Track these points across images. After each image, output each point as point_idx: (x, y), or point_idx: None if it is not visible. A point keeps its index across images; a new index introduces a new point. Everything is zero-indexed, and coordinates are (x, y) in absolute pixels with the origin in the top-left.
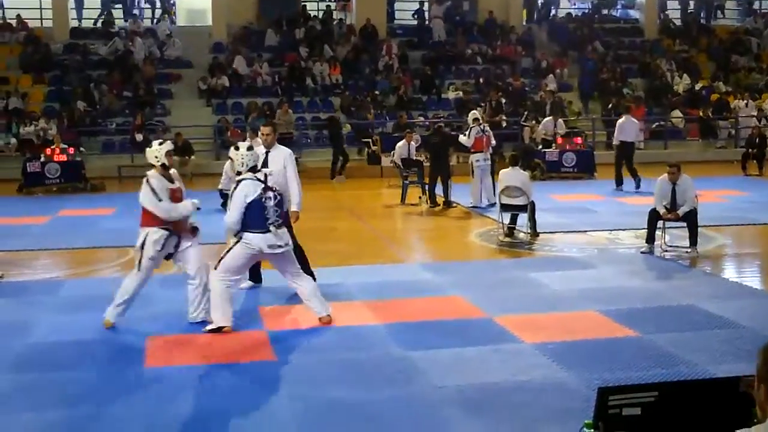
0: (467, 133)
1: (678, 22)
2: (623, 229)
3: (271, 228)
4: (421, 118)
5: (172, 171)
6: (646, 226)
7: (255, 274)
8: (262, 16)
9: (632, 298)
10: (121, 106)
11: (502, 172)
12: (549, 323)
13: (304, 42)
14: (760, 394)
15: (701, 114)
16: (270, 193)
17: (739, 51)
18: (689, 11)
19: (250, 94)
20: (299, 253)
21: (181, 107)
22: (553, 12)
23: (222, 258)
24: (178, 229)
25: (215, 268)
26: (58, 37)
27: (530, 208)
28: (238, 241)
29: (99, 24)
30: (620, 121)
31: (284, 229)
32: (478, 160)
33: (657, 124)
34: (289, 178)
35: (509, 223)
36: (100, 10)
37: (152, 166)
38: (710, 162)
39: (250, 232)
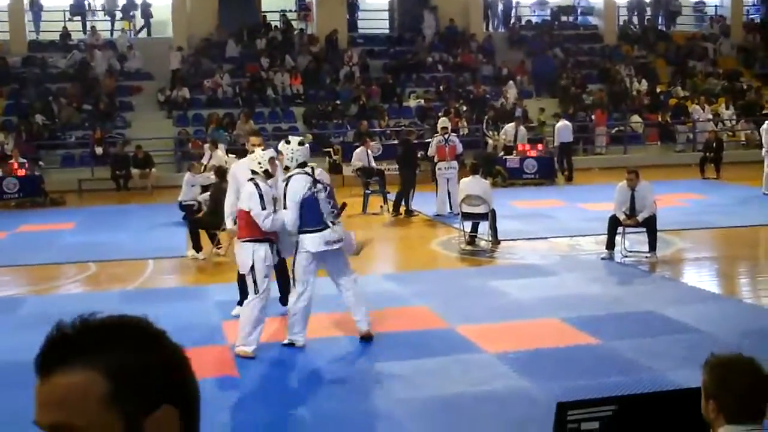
0: (430, 143)
1: (636, 29)
2: (584, 235)
3: (328, 222)
4: (378, 128)
5: (270, 181)
6: (606, 232)
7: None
8: (222, 27)
9: (593, 305)
10: (80, 119)
11: (463, 181)
12: (511, 332)
13: (265, 52)
14: (709, 410)
15: (660, 119)
16: (320, 186)
17: (696, 56)
18: (647, 18)
19: (211, 105)
20: (284, 268)
21: (142, 119)
22: (513, 19)
23: (293, 272)
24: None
25: (293, 285)
26: (15, 50)
27: (491, 216)
28: (296, 251)
29: (57, 37)
30: (558, 125)
31: (340, 225)
32: (440, 169)
33: (617, 129)
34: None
35: (470, 232)
36: (60, 23)
37: (253, 172)
38: (669, 166)
39: (308, 232)
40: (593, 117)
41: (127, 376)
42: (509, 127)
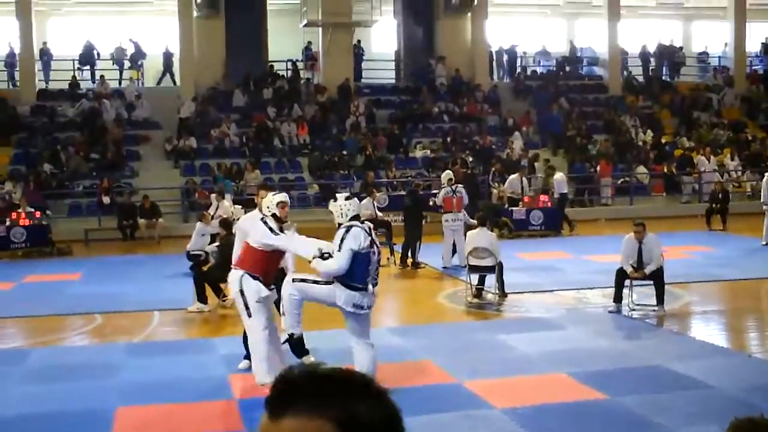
0: (438, 193)
1: (641, 79)
2: (591, 288)
3: (369, 286)
4: (385, 179)
5: (285, 225)
6: (613, 285)
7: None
8: (229, 77)
9: (601, 360)
10: (88, 169)
11: (470, 233)
12: (518, 387)
13: (272, 102)
14: None
15: (666, 169)
16: (375, 248)
17: (700, 107)
18: (651, 68)
19: (218, 154)
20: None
21: (149, 169)
22: (518, 70)
23: (305, 279)
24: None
25: (292, 280)
26: (25, 99)
27: (498, 269)
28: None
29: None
30: (556, 177)
31: (375, 290)
32: (447, 221)
33: (622, 180)
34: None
35: (477, 284)
36: (69, 72)
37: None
38: (675, 217)
39: (346, 286)
40: (598, 168)
41: (356, 429)
42: (514, 178)
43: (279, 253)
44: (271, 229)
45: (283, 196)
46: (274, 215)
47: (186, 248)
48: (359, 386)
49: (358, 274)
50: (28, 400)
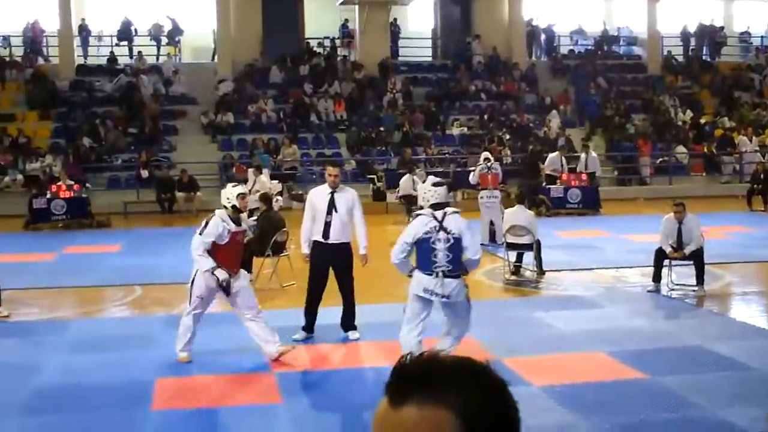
0: (474, 170)
1: (680, 59)
2: (629, 267)
3: (437, 273)
4: (424, 155)
5: (242, 215)
6: (651, 264)
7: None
8: (266, 53)
9: (640, 339)
10: (126, 143)
11: (508, 211)
12: (557, 365)
13: (309, 78)
14: None
15: (706, 149)
16: (442, 235)
17: (742, 87)
18: (691, 48)
19: (255, 130)
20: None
21: (187, 143)
22: (556, 49)
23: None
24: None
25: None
26: (64, 74)
27: (536, 247)
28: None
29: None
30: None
31: (454, 280)
32: (482, 197)
33: (661, 159)
34: (356, 220)
35: (515, 262)
36: (108, 47)
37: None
38: (715, 197)
39: (419, 270)
40: (637, 147)
41: (480, 422)
42: (553, 156)
43: (234, 243)
44: (205, 225)
45: (242, 188)
46: (234, 206)
47: None
48: (486, 380)
49: (422, 260)
50: (70, 370)
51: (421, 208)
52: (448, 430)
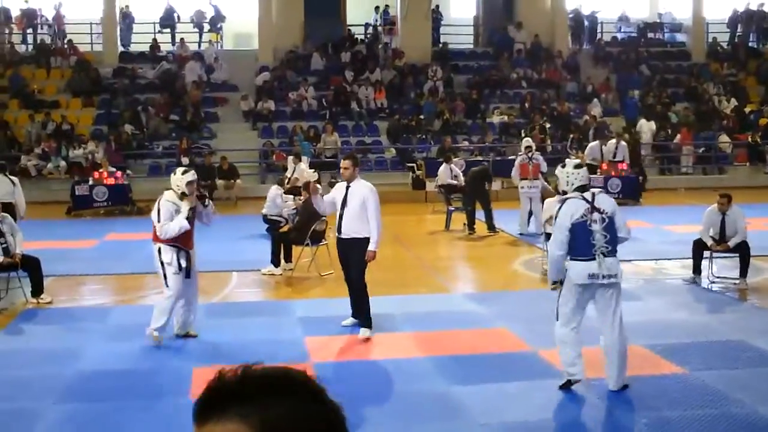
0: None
1: (726, 46)
2: (669, 259)
3: (597, 255)
4: (466, 143)
5: (183, 203)
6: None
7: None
8: (308, 40)
9: (679, 332)
10: (167, 130)
11: (548, 200)
12: (594, 358)
13: (350, 66)
14: None
15: (750, 139)
16: (596, 215)
17: None
18: (737, 35)
19: (296, 117)
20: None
21: (227, 131)
22: (599, 36)
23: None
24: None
25: (556, 319)
26: (107, 61)
27: None
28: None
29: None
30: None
31: (615, 260)
32: (523, 187)
33: (704, 149)
34: (369, 214)
35: None
36: (150, 35)
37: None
38: (758, 188)
39: (575, 259)
40: (678, 136)
41: (280, 430)
42: (594, 145)
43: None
44: (158, 212)
45: (191, 175)
46: (183, 193)
47: (262, 212)
48: (294, 388)
49: (580, 246)
50: (110, 357)
51: (564, 193)
52: None
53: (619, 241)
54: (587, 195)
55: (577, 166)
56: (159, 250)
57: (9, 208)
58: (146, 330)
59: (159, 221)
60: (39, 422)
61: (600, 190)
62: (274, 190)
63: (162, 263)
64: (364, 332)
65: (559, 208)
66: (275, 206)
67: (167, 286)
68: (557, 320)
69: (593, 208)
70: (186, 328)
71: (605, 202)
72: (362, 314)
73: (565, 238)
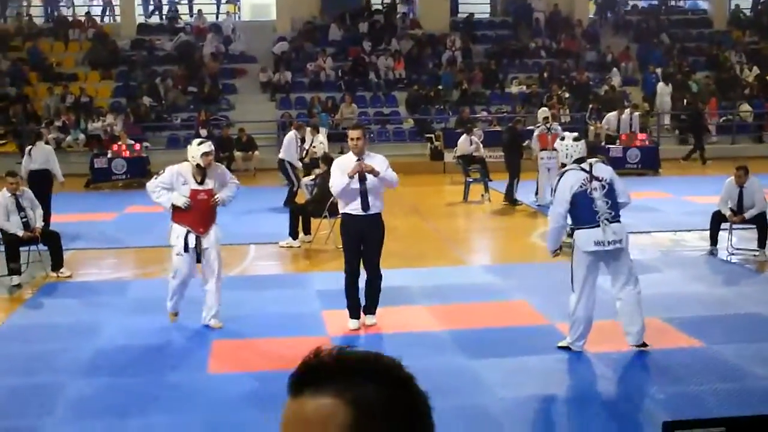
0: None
1: (748, 13)
2: (688, 230)
3: (602, 222)
4: (484, 113)
5: (210, 171)
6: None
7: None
8: (325, 11)
9: (697, 305)
10: (185, 102)
11: None
12: (611, 331)
13: (368, 36)
14: None
15: None
16: (596, 183)
17: None
18: (760, 1)
19: (314, 88)
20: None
21: (245, 102)
22: (618, 5)
23: (572, 272)
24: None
25: (572, 290)
26: (125, 33)
27: None
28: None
29: (165, 20)
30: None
31: (619, 225)
32: (542, 158)
33: (725, 117)
34: (389, 180)
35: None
36: (167, 6)
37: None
38: None
39: (581, 227)
40: (707, 105)
41: (371, 412)
42: (611, 115)
43: (196, 203)
44: (155, 176)
45: (208, 146)
46: (198, 165)
47: (279, 156)
48: (385, 372)
49: (583, 215)
50: (129, 331)
51: (564, 165)
52: (340, 419)
53: (620, 206)
54: (585, 165)
55: (576, 139)
56: (171, 228)
57: (47, 174)
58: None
59: (155, 179)
60: (59, 396)
61: (597, 160)
62: (291, 135)
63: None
64: (371, 319)
65: (558, 180)
66: (290, 151)
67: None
68: (573, 291)
69: (592, 177)
70: (207, 317)
71: (603, 170)
72: (376, 300)
73: (564, 210)
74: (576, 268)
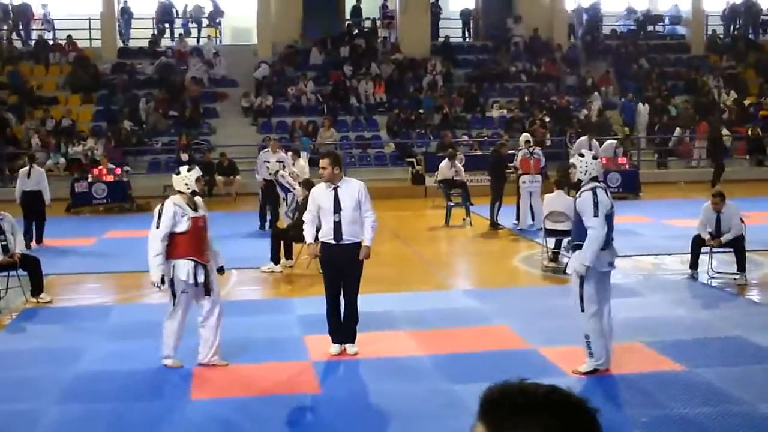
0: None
1: (724, 38)
2: (669, 254)
3: (611, 245)
4: (465, 137)
5: (197, 199)
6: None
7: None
8: (306, 35)
9: (678, 329)
10: (167, 125)
11: (547, 196)
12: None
13: (349, 60)
14: None
15: (749, 132)
16: (613, 208)
17: None
18: (736, 27)
19: (295, 112)
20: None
21: (227, 126)
22: (598, 29)
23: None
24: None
25: (581, 310)
26: (106, 56)
27: None
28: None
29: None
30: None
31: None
32: (524, 182)
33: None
34: (365, 213)
35: (554, 248)
36: (149, 30)
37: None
38: (758, 181)
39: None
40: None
41: None
42: (582, 140)
43: (197, 230)
44: (159, 216)
45: (197, 171)
46: (193, 192)
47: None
48: (578, 405)
49: (607, 235)
50: (110, 356)
51: (579, 182)
52: None
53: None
54: (602, 185)
55: (594, 157)
56: (173, 267)
57: (39, 196)
58: (162, 362)
59: (158, 227)
60: (39, 423)
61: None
62: (262, 154)
63: (173, 281)
64: (352, 348)
65: (594, 194)
66: (262, 169)
67: (174, 305)
68: (582, 311)
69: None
70: (208, 355)
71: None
72: (353, 331)
73: (604, 229)
74: (587, 287)
